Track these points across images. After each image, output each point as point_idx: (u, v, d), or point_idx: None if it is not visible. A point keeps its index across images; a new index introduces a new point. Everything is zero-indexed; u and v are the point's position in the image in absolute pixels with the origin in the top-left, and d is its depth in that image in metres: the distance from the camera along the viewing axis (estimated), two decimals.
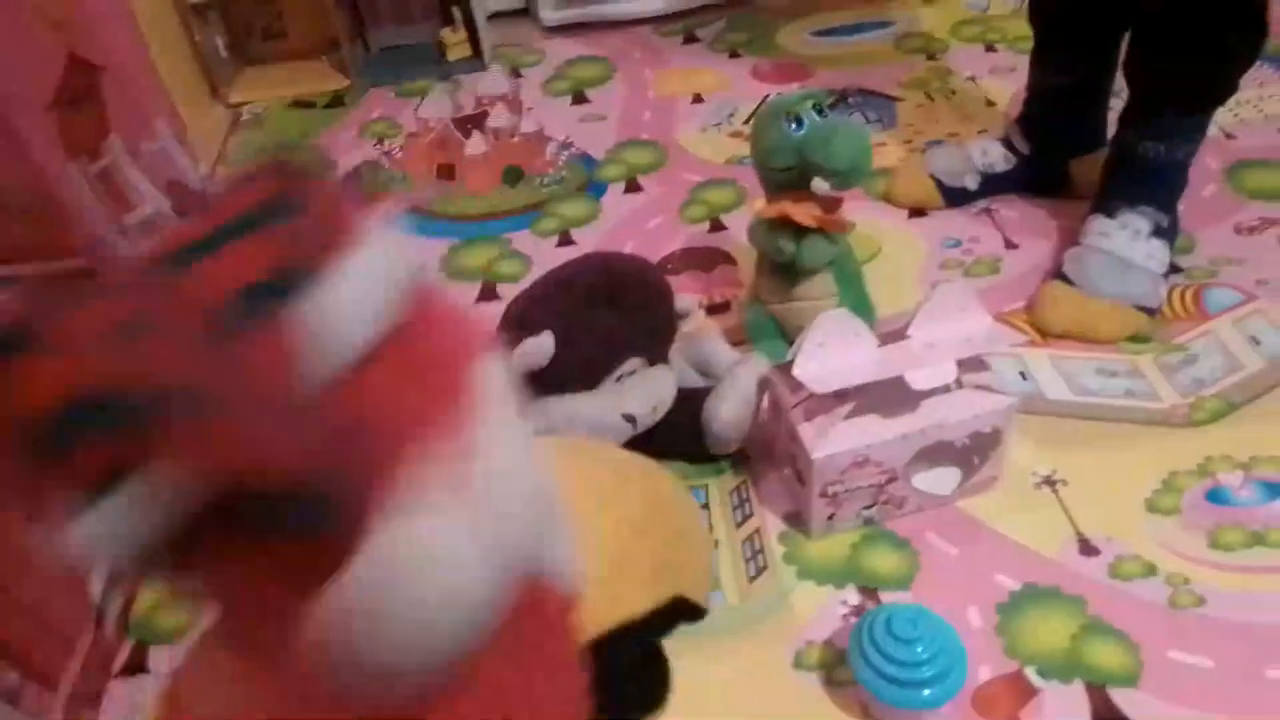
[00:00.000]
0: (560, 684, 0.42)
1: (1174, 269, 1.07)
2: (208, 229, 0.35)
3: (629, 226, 1.25)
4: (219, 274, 0.33)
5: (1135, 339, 1.00)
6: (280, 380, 0.32)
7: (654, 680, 0.59)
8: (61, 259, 0.95)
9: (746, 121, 1.40)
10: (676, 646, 0.79)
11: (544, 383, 0.83)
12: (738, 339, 1.02)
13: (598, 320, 0.84)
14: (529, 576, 0.38)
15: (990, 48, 1.52)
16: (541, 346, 0.81)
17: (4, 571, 0.69)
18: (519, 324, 0.84)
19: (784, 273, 0.97)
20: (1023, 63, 1.45)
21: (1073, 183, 1.18)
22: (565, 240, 1.24)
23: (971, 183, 1.19)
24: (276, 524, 0.31)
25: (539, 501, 0.39)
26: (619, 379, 0.85)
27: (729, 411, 0.88)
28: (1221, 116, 1.30)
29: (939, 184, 1.19)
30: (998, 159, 1.19)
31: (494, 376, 0.39)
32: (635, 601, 0.50)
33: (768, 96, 1.34)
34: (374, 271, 0.35)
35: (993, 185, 1.20)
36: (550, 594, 0.39)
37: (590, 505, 0.46)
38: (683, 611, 0.58)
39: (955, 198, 1.20)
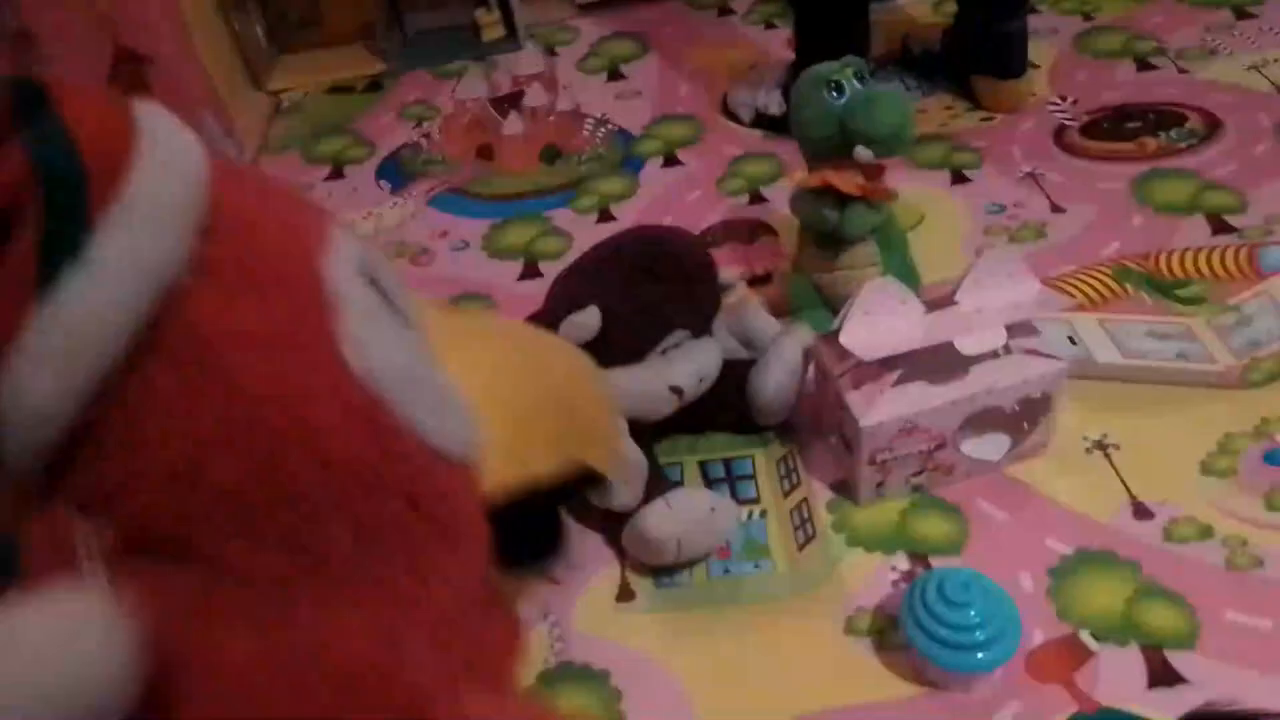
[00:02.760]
0: (463, 546, 0.43)
1: (1227, 228, 1.05)
2: None
3: (668, 201, 1.25)
4: None
5: (1188, 301, 0.98)
6: None
7: (552, 535, 0.60)
8: None
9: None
10: (726, 613, 0.80)
11: (590, 357, 0.83)
12: (780, 310, 1.01)
13: (643, 294, 0.84)
14: (426, 452, 0.39)
15: (1032, 9, 1.49)
16: (588, 321, 0.81)
17: None
18: (565, 300, 0.84)
19: (827, 242, 0.96)
20: (1065, 23, 1.44)
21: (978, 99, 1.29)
22: (605, 216, 1.24)
23: None
24: None
25: (422, 382, 0.40)
26: (664, 352, 0.86)
27: (774, 382, 0.88)
28: (1272, 72, 1.27)
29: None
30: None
31: (348, 263, 0.37)
32: (538, 463, 0.50)
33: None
34: (149, 206, 0.31)
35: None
36: (442, 462, 0.41)
37: (482, 383, 0.46)
38: (586, 475, 0.56)
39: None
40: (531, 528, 0.54)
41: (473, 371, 0.45)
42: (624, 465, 0.63)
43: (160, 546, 0.34)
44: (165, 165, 0.33)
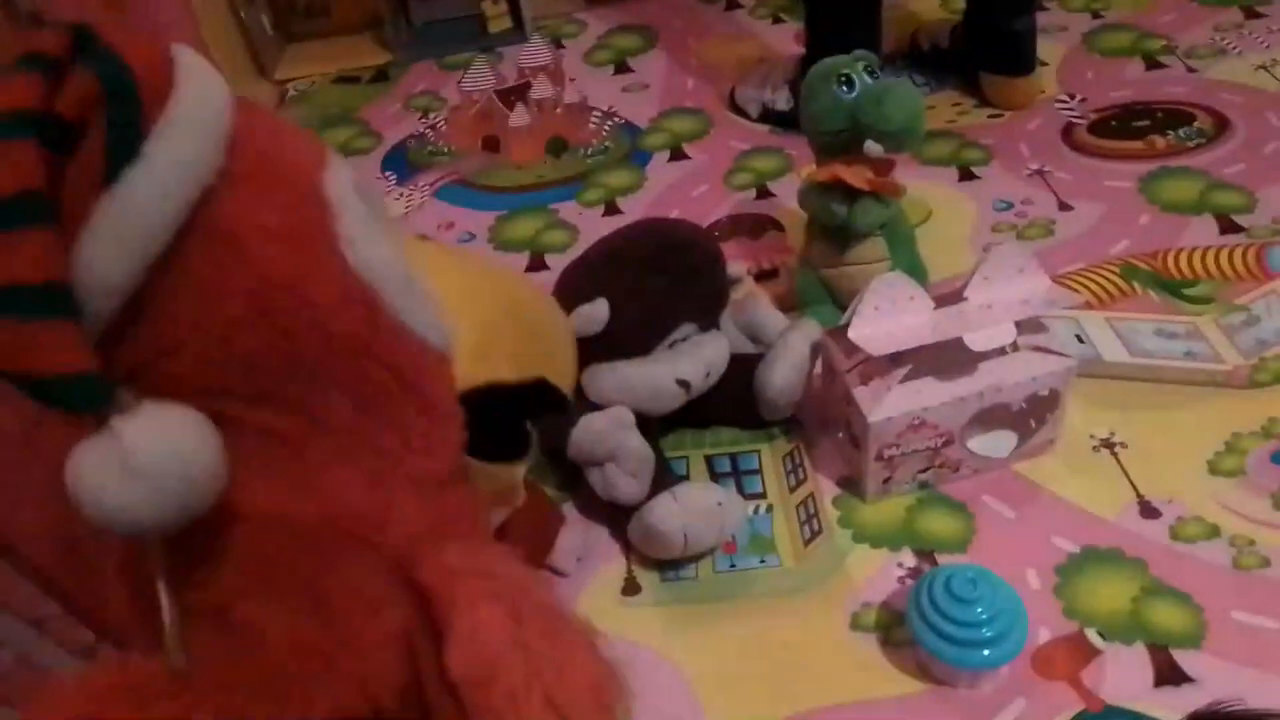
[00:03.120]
0: (441, 421, 0.51)
1: (1235, 228, 1.05)
2: None
3: (674, 195, 1.25)
4: None
5: (1196, 300, 0.98)
6: (46, 275, 0.36)
7: (517, 437, 0.66)
8: None
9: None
10: (732, 608, 0.80)
11: (598, 349, 0.83)
12: (787, 305, 1.01)
13: (651, 287, 0.84)
14: (409, 335, 0.47)
15: (1041, 6, 1.48)
16: (596, 314, 0.81)
17: (79, 535, 0.71)
18: (573, 292, 0.84)
19: (836, 237, 0.96)
20: (1074, 21, 1.43)
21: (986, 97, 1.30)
22: (611, 209, 1.24)
23: None
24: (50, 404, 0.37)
25: (404, 279, 0.47)
26: (672, 345, 0.86)
27: (781, 377, 0.88)
28: None
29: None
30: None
31: (343, 180, 0.45)
32: (502, 369, 0.58)
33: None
34: (188, 123, 0.39)
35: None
36: (423, 351, 0.49)
37: (454, 299, 0.53)
38: (548, 394, 0.62)
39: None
40: (499, 427, 0.60)
41: (446, 285, 0.52)
42: (569, 385, 0.69)
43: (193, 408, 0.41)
44: (199, 92, 0.40)
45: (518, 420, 0.63)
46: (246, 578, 0.45)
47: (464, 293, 0.57)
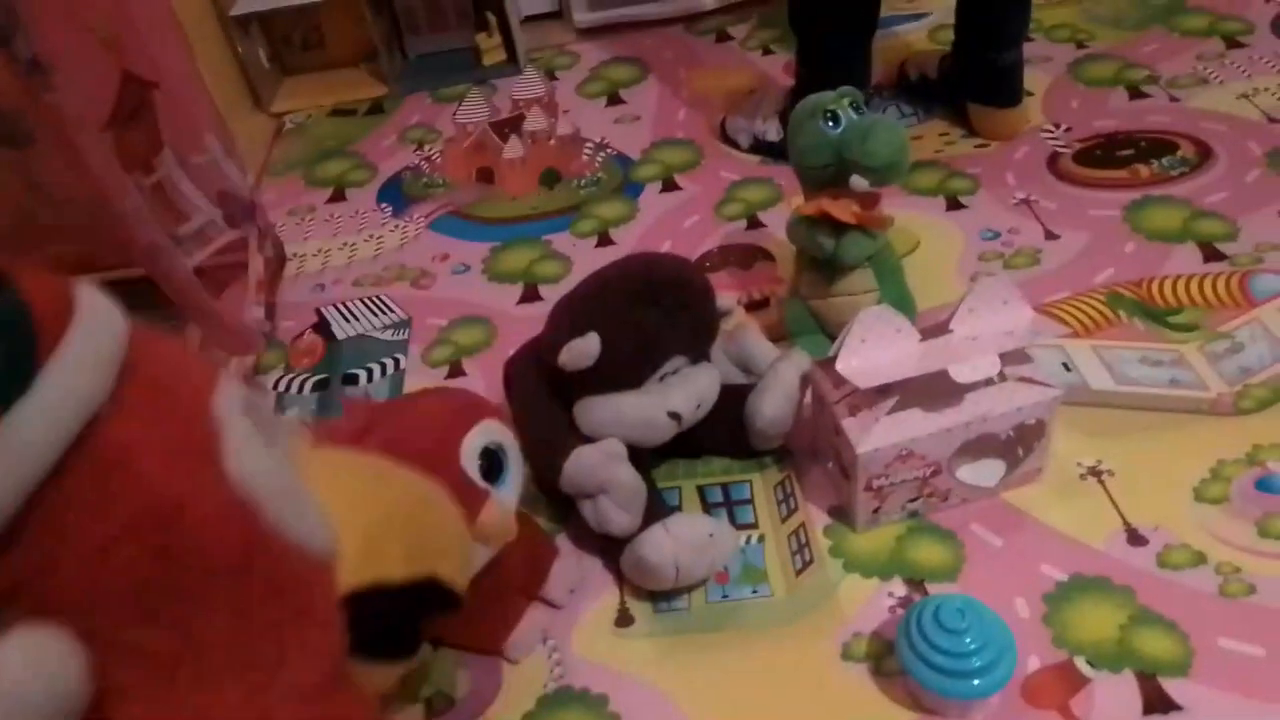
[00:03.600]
0: (319, 629, 0.52)
1: (1218, 255, 1.07)
2: None
3: (666, 225, 1.26)
4: None
5: (1181, 328, 0.99)
6: None
7: (406, 634, 0.67)
8: (119, 270, 0.98)
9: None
10: (724, 638, 0.81)
11: (589, 383, 0.84)
12: (777, 335, 1.03)
13: (641, 320, 0.85)
14: (290, 546, 0.49)
15: (1025, 38, 1.51)
16: (587, 347, 0.82)
17: None
18: (565, 326, 0.85)
19: (824, 269, 0.98)
20: (1058, 51, 1.46)
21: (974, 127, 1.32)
22: (604, 240, 1.25)
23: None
24: None
25: (285, 489, 0.49)
26: (663, 378, 0.87)
27: (772, 407, 0.89)
28: (1263, 100, 1.29)
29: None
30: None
31: (232, 398, 0.48)
32: (390, 570, 0.59)
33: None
34: (81, 357, 0.41)
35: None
36: (303, 560, 0.50)
37: (343, 501, 0.56)
38: (439, 591, 0.63)
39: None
40: (387, 627, 0.61)
41: (331, 490, 0.54)
42: (469, 580, 0.68)
43: (66, 629, 0.41)
44: (94, 325, 0.42)
45: (408, 619, 0.64)
46: None
47: (353, 494, 0.58)
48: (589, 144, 1.44)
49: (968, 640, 0.70)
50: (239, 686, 0.46)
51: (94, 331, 0.42)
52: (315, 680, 0.50)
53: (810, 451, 0.93)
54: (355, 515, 0.56)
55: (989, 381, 0.81)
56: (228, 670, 0.46)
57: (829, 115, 0.91)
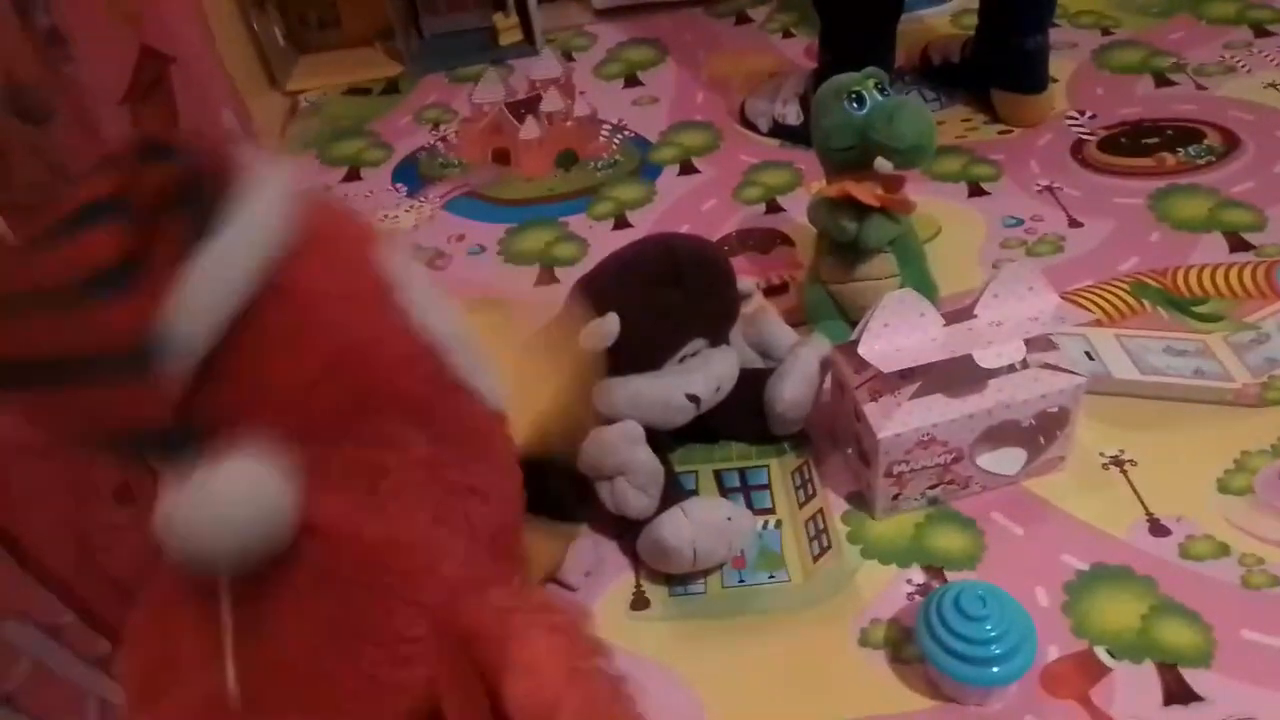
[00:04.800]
0: (501, 474, 0.55)
1: (1244, 245, 1.06)
2: (74, 209, 0.42)
3: (684, 208, 1.25)
4: (73, 258, 0.41)
5: (1206, 318, 0.98)
6: (134, 341, 0.40)
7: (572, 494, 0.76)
8: None
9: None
10: (740, 623, 0.80)
11: (608, 364, 0.84)
12: (796, 320, 1.02)
13: (661, 301, 0.84)
14: (468, 390, 0.52)
15: (1051, 23, 1.49)
16: (606, 328, 0.82)
17: (96, 546, 0.71)
18: (584, 307, 0.84)
19: (845, 253, 0.97)
20: (1084, 38, 1.44)
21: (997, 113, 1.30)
22: (621, 223, 1.24)
23: None
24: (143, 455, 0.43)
25: (463, 341, 0.52)
26: (682, 360, 0.86)
27: (791, 392, 0.88)
28: None
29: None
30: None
31: (399, 252, 0.51)
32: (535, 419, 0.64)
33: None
34: (258, 214, 0.44)
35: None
36: (483, 407, 0.54)
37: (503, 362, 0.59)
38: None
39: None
40: (556, 489, 0.69)
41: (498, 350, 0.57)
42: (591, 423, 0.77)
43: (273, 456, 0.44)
44: (269, 181, 0.45)
45: (570, 485, 0.71)
46: (297, 590, 0.46)
47: (509, 355, 0.62)
48: (606, 126, 1.43)
49: (988, 627, 0.69)
50: (429, 507, 0.50)
51: (268, 185, 0.45)
52: (496, 521, 0.54)
53: (829, 437, 0.93)
54: (515, 375, 0.59)
55: (1012, 368, 0.80)
56: (420, 491, 0.49)
57: (854, 96, 0.90)
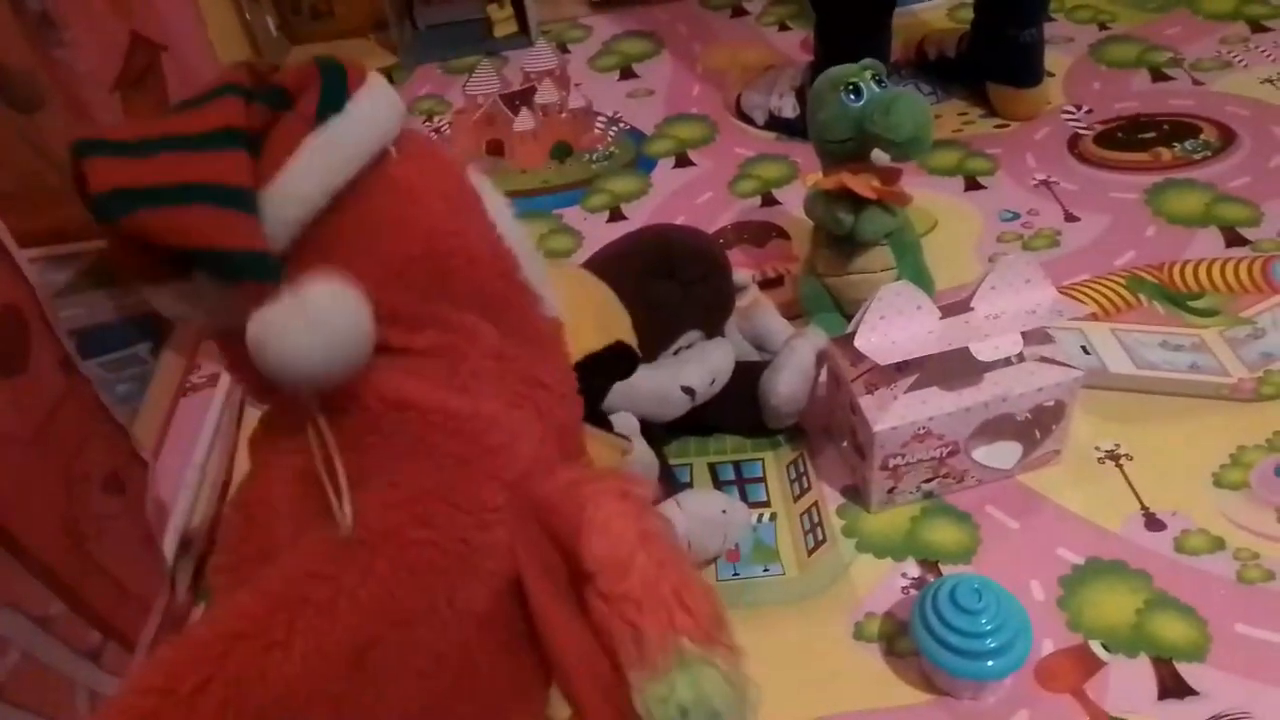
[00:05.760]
0: (565, 376, 0.59)
1: (1240, 240, 1.05)
2: (211, 87, 0.47)
3: (679, 201, 1.25)
4: (206, 115, 0.46)
5: (1202, 313, 0.98)
6: (247, 181, 0.45)
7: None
8: None
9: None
10: (735, 616, 0.79)
11: None
12: (792, 313, 1.01)
13: (656, 293, 0.84)
14: (536, 295, 0.57)
15: (1048, 17, 1.48)
16: None
17: (85, 535, 0.71)
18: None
19: (841, 245, 0.96)
20: (1080, 32, 1.44)
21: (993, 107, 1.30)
22: (616, 216, 1.24)
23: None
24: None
25: (531, 252, 0.57)
26: (677, 352, 0.86)
27: (786, 385, 0.88)
28: None
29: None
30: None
31: (482, 174, 0.56)
32: (589, 341, 0.71)
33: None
34: (377, 97, 0.50)
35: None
36: (546, 314, 0.58)
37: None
38: (624, 355, 0.76)
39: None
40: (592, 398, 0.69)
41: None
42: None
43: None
44: (385, 87, 0.52)
45: (601, 389, 0.75)
46: (395, 459, 0.50)
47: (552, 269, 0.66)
48: (601, 118, 1.42)
49: (983, 621, 0.69)
50: (506, 393, 0.53)
51: (382, 91, 0.51)
52: (566, 420, 0.58)
53: (824, 431, 0.92)
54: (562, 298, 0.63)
55: (1008, 362, 0.80)
56: (499, 377, 0.53)
57: (851, 88, 0.90)
